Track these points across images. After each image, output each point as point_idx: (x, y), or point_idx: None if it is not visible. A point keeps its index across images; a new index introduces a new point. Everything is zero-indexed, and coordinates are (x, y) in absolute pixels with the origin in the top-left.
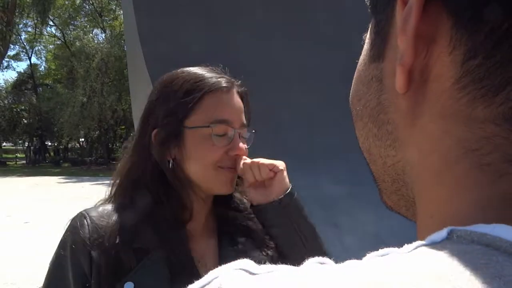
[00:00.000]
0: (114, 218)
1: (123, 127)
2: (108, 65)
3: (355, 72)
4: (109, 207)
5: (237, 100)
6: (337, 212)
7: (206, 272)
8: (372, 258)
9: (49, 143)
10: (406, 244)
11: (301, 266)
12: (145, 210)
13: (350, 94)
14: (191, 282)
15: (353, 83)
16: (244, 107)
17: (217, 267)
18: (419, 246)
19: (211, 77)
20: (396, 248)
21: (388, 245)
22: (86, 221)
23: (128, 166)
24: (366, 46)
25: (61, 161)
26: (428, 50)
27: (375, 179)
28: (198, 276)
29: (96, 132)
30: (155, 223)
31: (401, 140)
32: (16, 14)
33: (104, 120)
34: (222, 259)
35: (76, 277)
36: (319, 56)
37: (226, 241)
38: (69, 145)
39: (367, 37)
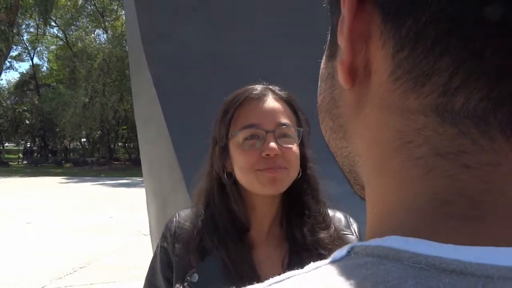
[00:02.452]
0: (191, 220)
1: (124, 127)
2: (109, 65)
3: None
4: (193, 210)
5: (271, 104)
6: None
7: (265, 278)
8: (273, 283)
9: (47, 143)
10: (313, 264)
11: None
12: (211, 218)
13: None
14: (247, 283)
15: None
16: (291, 109)
17: (277, 274)
18: (320, 266)
19: (244, 91)
20: (297, 271)
21: None
22: (175, 219)
23: (205, 181)
24: (326, 46)
25: (63, 161)
26: (367, 46)
27: (340, 168)
28: (256, 279)
29: (98, 133)
30: (218, 230)
31: (350, 133)
32: (19, 14)
33: (106, 120)
34: (287, 267)
35: (162, 262)
36: (321, 57)
37: (293, 249)
38: (71, 146)
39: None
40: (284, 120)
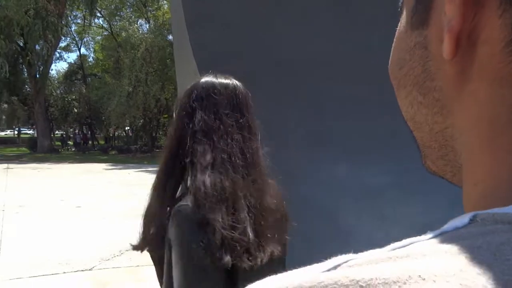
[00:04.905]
0: None
1: (166, 116)
2: (152, 54)
3: (394, 41)
4: None
5: None
6: (383, 203)
7: None
8: (396, 248)
9: (93, 131)
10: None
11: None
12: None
13: (389, 63)
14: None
15: (392, 51)
16: None
17: None
18: (441, 233)
19: None
20: (418, 237)
21: None
22: None
23: None
24: (405, 13)
25: (110, 148)
26: (476, 14)
27: (419, 145)
28: None
29: (141, 121)
30: None
31: (449, 107)
32: (67, 6)
33: (148, 109)
34: None
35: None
36: (366, 42)
37: None
38: (116, 134)
39: (405, 5)
40: None
